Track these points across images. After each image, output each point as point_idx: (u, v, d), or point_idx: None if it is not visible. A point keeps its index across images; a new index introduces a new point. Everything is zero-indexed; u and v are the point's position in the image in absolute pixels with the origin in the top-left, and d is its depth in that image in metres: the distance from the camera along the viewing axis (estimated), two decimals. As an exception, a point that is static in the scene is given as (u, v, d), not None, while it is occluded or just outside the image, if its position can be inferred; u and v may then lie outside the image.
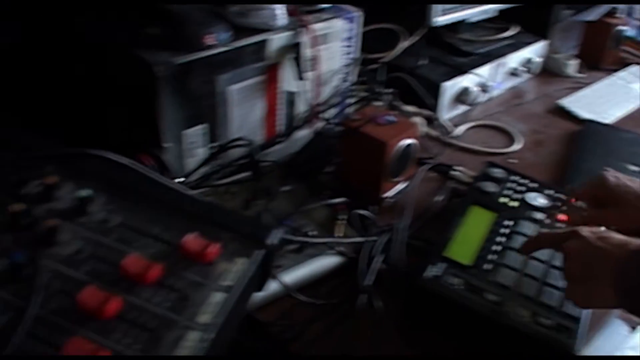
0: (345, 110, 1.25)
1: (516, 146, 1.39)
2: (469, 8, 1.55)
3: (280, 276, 0.90)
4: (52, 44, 1.08)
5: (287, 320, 0.88)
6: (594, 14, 1.83)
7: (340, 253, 0.97)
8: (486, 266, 0.92)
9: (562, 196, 1.11)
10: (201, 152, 1.08)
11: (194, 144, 1.07)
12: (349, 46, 1.24)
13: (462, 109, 1.49)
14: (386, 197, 1.12)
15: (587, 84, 1.75)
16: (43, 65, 1.09)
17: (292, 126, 1.20)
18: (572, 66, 1.79)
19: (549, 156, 1.38)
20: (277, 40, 1.08)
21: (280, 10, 1.08)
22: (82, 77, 1.06)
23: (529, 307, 0.86)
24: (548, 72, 1.80)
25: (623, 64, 1.93)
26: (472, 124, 1.45)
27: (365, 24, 1.47)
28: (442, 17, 1.48)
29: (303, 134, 1.21)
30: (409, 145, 1.09)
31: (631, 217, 0.96)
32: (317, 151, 1.16)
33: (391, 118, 1.09)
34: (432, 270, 0.89)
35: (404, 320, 0.90)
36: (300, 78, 1.13)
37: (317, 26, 1.15)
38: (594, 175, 1.01)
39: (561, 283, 0.87)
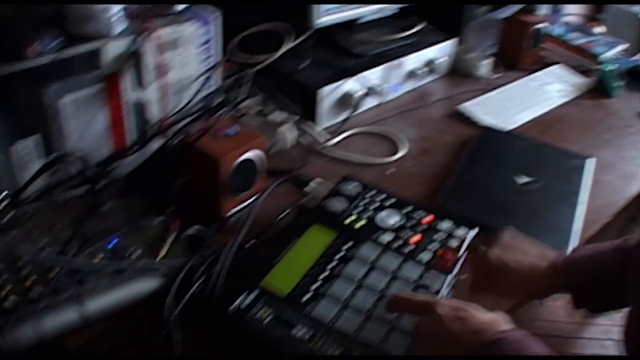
0: (198, 120, 1.24)
1: (398, 155, 1.38)
2: (355, 8, 1.54)
3: (90, 301, 0.90)
4: None
5: (92, 348, 0.87)
6: (508, 11, 1.83)
7: (164, 276, 0.97)
8: (305, 297, 0.91)
9: (423, 214, 1.10)
10: (37, 166, 1.08)
11: (26, 158, 1.06)
12: (206, 51, 1.23)
13: (346, 114, 1.47)
14: (228, 216, 1.11)
15: (498, 86, 1.75)
16: None
17: (144, 138, 1.19)
18: (485, 67, 1.80)
19: (432, 166, 1.39)
20: (112, 48, 1.08)
21: (116, 16, 1.07)
22: None
23: (344, 344, 0.85)
24: (459, 73, 1.80)
25: (544, 64, 1.93)
26: (351, 131, 1.44)
27: (252, 24, 1.48)
28: (325, 18, 1.47)
29: (155, 147, 1.21)
30: (249, 159, 1.08)
31: (510, 294, 0.96)
32: (161, 165, 1.15)
33: (233, 130, 1.09)
34: (243, 301, 0.89)
35: (213, 356, 0.90)
36: (142, 87, 1.12)
37: (164, 31, 1.14)
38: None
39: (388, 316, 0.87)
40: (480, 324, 0.78)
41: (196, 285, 0.95)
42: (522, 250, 0.99)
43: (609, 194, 1.38)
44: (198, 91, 1.24)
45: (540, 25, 1.87)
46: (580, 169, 1.39)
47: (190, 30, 1.18)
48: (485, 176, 1.34)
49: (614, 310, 0.95)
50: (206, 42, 1.22)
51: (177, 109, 1.22)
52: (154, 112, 1.19)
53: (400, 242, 1.04)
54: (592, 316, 0.97)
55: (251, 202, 1.14)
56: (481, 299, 0.88)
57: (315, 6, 1.44)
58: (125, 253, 0.99)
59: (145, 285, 0.96)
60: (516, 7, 1.84)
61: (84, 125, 1.11)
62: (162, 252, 1.00)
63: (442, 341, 0.79)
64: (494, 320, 0.80)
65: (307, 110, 1.39)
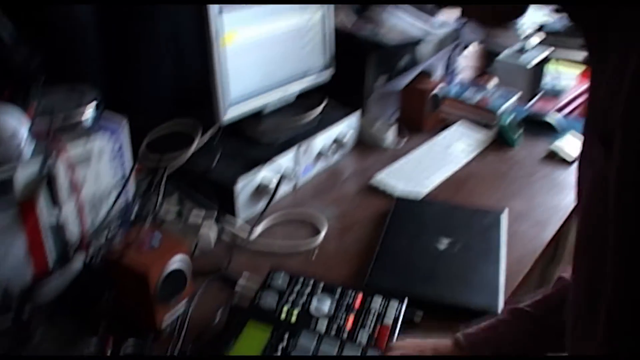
0: (120, 232, 1.25)
1: (320, 237, 1.42)
2: (259, 99, 1.59)
3: None
4: None
5: None
6: (405, 80, 1.92)
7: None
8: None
9: (353, 293, 1.14)
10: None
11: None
12: (119, 160, 1.24)
13: (263, 204, 1.50)
14: (162, 326, 1.11)
15: (406, 152, 1.83)
16: None
17: (66, 258, 1.19)
18: (390, 136, 1.88)
19: (354, 244, 1.43)
20: (23, 174, 1.08)
21: (24, 141, 1.07)
22: None
23: None
24: (365, 145, 1.88)
25: (446, 125, 2.03)
26: (271, 220, 1.48)
27: (157, 125, 1.51)
28: (231, 114, 1.51)
29: (78, 266, 1.20)
30: (176, 267, 1.09)
31: None
32: (87, 283, 1.15)
33: (156, 241, 1.11)
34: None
35: None
36: (58, 207, 1.12)
37: (74, 148, 1.15)
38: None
39: None
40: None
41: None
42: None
43: (526, 243, 1.46)
44: (115, 202, 1.25)
45: (437, 89, 1.97)
46: (496, 224, 1.47)
47: (100, 143, 1.20)
48: (407, 246, 1.39)
49: None
50: (117, 151, 1.24)
51: (96, 224, 1.23)
52: (73, 230, 1.19)
53: (336, 327, 1.07)
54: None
55: (184, 308, 1.15)
56: None
57: (220, 102, 1.48)
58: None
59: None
60: (412, 75, 1.94)
61: (1, 253, 1.10)
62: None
63: None
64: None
65: (225, 206, 1.42)
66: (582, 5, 0.70)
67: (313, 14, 1.71)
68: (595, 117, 0.69)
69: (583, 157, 0.76)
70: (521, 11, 0.76)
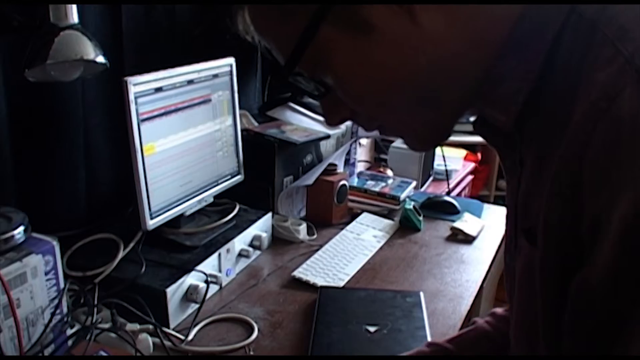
0: (60, 349, 1.25)
1: (252, 337, 1.46)
2: (180, 205, 1.64)
3: None
4: None
5: None
6: (312, 177, 2.02)
7: None
8: None
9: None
10: None
11: None
12: (52, 277, 1.26)
13: (193, 308, 1.54)
14: None
15: (320, 246, 1.90)
16: None
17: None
18: (302, 231, 1.95)
19: (287, 339, 1.48)
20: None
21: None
22: None
23: None
24: (280, 241, 1.95)
25: (353, 215, 2.13)
26: (203, 324, 1.51)
27: (81, 237, 1.53)
28: (155, 220, 1.55)
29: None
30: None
31: None
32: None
33: (103, 354, 1.12)
34: None
35: None
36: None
37: (7, 270, 1.16)
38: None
39: None
40: None
41: None
42: None
43: (446, 319, 1.56)
44: (51, 319, 1.26)
45: (342, 182, 2.08)
46: (418, 304, 1.57)
47: (34, 262, 1.21)
48: (339, 334, 1.45)
49: None
50: (51, 269, 1.26)
51: (31, 343, 1.23)
52: (9, 351, 1.19)
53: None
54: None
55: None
56: None
57: (145, 210, 1.52)
58: None
59: None
60: (319, 170, 2.04)
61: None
62: None
63: None
64: None
65: (158, 312, 1.44)
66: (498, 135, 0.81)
67: (224, 120, 1.80)
68: (517, 212, 0.79)
69: (509, 244, 0.85)
70: (445, 137, 0.82)
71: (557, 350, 0.68)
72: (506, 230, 0.87)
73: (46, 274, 1.26)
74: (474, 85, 0.73)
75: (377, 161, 2.87)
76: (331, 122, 0.82)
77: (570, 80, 0.65)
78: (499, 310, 1.18)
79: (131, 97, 1.44)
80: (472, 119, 0.84)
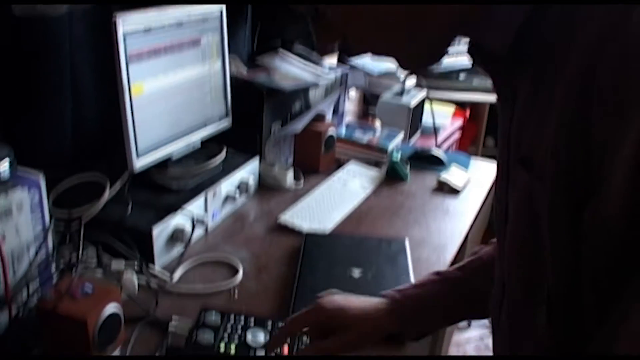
0: (45, 285, 1.26)
1: (238, 277, 1.47)
2: (167, 147, 1.64)
3: None
4: None
5: None
6: (300, 125, 2.01)
7: None
8: None
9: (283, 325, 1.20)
10: None
11: None
12: (38, 213, 1.25)
13: (179, 249, 1.54)
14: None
15: (306, 192, 1.91)
16: None
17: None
18: (289, 178, 1.95)
19: (272, 282, 1.50)
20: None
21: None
22: None
23: None
24: (267, 187, 1.95)
25: (340, 164, 2.14)
26: (189, 265, 1.51)
27: (67, 175, 1.52)
28: (142, 161, 1.55)
29: (4, 320, 1.20)
30: (112, 312, 1.12)
31: (353, 343, 1.08)
32: (17, 338, 1.15)
33: (88, 288, 1.13)
34: None
35: None
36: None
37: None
38: (319, 292, 1.21)
39: None
40: None
41: None
42: (355, 298, 1.17)
43: (429, 267, 1.57)
44: (36, 255, 1.26)
45: (330, 132, 2.08)
46: (402, 251, 1.58)
47: (20, 196, 1.21)
48: (323, 279, 1.46)
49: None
50: (37, 204, 1.25)
51: (17, 278, 1.23)
52: (-3, 286, 1.19)
53: (274, 356, 1.13)
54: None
55: (119, 353, 1.17)
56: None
57: (132, 151, 1.51)
58: None
59: None
60: (308, 118, 2.04)
61: None
62: None
63: None
64: None
65: (143, 252, 1.45)
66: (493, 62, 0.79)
67: (212, 64, 1.79)
68: (513, 145, 0.77)
69: (501, 180, 0.84)
70: (437, 58, 0.82)
71: (565, 275, 0.68)
72: (498, 164, 0.85)
73: (32, 209, 1.25)
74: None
75: (366, 115, 2.87)
76: (323, 43, 0.82)
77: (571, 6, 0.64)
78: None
79: (120, 35, 1.43)
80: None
